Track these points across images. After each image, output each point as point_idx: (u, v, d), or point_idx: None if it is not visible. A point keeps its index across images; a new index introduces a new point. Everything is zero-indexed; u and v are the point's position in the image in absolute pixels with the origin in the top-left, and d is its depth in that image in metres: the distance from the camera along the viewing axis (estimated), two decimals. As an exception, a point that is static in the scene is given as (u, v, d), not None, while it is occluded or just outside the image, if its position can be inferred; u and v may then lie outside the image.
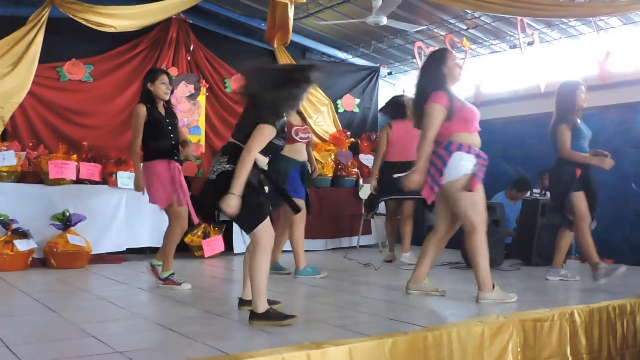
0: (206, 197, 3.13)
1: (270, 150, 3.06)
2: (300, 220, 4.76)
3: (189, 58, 6.97)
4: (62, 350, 2.57)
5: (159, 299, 4.08)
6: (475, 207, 3.63)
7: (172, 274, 4.26)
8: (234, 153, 3.02)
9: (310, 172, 5.05)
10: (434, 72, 3.70)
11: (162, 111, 4.34)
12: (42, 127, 6.17)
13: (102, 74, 6.50)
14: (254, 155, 2.96)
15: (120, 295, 4.09)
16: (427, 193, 3.67)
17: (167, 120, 4.32)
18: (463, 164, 3.59)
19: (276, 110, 3.00)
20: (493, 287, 3.68)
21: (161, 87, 4.26)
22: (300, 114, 5.03)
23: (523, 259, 5.68)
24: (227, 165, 3.00)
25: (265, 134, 2.97)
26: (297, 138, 4.79)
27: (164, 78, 4.29)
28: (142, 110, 4.19)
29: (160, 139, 4.25)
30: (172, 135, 4.31)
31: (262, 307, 2.99)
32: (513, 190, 6.75)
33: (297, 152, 4.78)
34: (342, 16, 7.06)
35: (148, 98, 4.26)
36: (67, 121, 6.30)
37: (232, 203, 2.89)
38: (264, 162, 3.12)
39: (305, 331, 2.86)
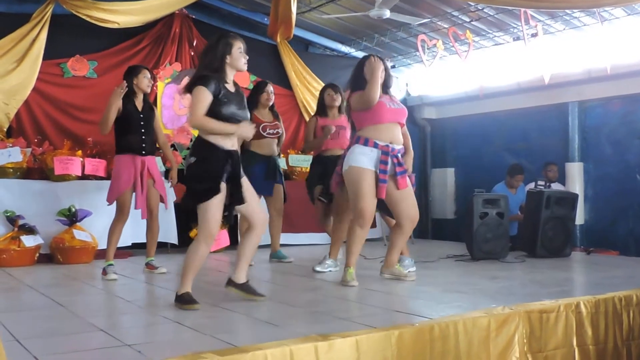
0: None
1: (231, 120, 3.24)
2: (276, 214, 5.26)
3: (192, 53, 6.97)
4: (71, 344, 2.60)
5: (166, 292, 4.10)
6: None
7: (111, 264, 4.52)
8: (194, 144, 3.33)
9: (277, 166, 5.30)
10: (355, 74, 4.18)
11: (140, 105, 4.63)
12: (47, 123, 6.19)
13: (106, 70, 6.50)
14: (199, 118, 3.18)
15: (127, 289, 4.12)
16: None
17: (142, 115, 4.60)
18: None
19: (200, 74, 3.27)
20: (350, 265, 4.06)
21: (144, 81, 4.61)
22: (273, 111, 5.33)
23: (528, 251, 5.69)
24: (191, 158, 3.27)
25: (197, 95, 3.19)
26: (264, 134, 5.13)
27: (147, 73, 4.68)
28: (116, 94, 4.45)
29: (129, 133, 4.54)
30: (143, 130, 4.59)
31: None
32: (507, 177, 6.77)
33: (264, 147, 5.13)
34: (345, 10, 7.04)
35: (129, 92, 4.55)
36: (72, 117, 6.31)
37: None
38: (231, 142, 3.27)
39: (311, 323, 2.87)
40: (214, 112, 3.21)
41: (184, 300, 3.23)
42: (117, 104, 4.46)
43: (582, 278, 4.88)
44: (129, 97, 4.57)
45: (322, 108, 5.21)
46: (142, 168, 4.59)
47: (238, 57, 3.32)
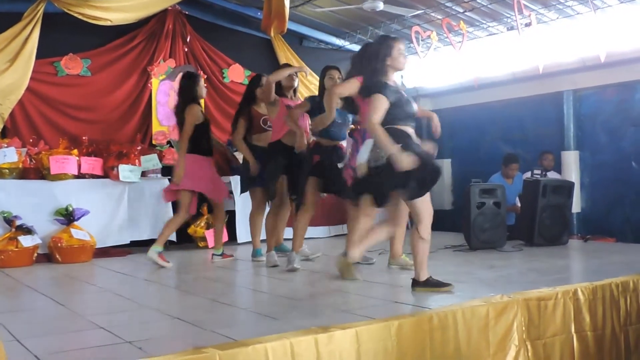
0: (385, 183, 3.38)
1: (406, 118, 3.41)
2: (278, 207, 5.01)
3: (186, 49, 6.95)
4: (72, 342, 2.61)
5: (165, 289, 4.11)
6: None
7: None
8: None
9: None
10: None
11: None
12: (42, 122, 6.16)
13: (100, 67, 6.47)
14: (375, 123, 3.26)
15: (127, 287, 4.13)
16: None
17: (207, 120, 5.02)
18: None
19: (372, 81, 3.40)
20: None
21: (203, 88, 4.97)
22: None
23: (525, 240, 5.71)
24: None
25: (375, 102, 3.31)
26: (265, 127, 5.01)
27: (202, 80, 5.06)
28: (199, 110, 4.85)
29: (203, 137, 4.89)
30: (209, 134, 5.03)
31: (423, 275, 3.39)
32: (503, 167, 6.78)
33: (265, 140, 4.97)
34: (338, 2, 7.03)
35: (196, 99, 4.89)
36: (67, 116, 6.29)
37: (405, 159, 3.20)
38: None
39: (311, 316, 2.88)
40: (392, 114, 3.34)
41: (433, 284, 3.39)
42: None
43: (580, 265, 4.91)
44: (199, 103, 4.93)
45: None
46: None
47: (398, 57, 3.46)
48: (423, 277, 3.42)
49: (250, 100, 5.08)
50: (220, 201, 5.09)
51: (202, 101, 6.89)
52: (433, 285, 3.41)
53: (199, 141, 4.83)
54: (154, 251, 4.75)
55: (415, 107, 3.54)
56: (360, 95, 3.59)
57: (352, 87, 3.98)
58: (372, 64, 3.49)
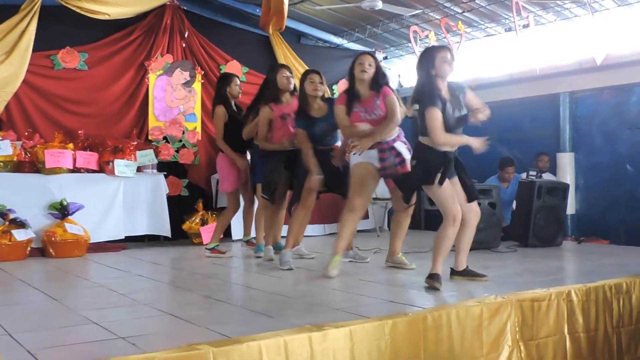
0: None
1: (451, 128, 3.57)
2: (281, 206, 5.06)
3: (183, 45, 6.93)
4: (64, 337, 2.60)
5: (159, 285, 4.11)
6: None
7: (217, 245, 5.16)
8: (415, 149, 3.68)
9: None
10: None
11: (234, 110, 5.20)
12: (38, 116, 6.12)
13: (97, 61, 6.43)
14: (441, 136, 3.49)
15: (121, 282, 4.11)
16: None
17: (239, 119, 5.16)
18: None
19: (423, 93, 3.52)
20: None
21: (235, 88, 5.19)
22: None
23: (520, 241, 5.72)
24: (412, 161, 3.67)
25: (430, 116, 3.44)
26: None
27: (237, 80, 5.28)
28: (223, 110, 5.07)
29: (234, 135, 5.06)
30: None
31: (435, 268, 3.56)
32: (498, 170, 6.78)
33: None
34: (337, 1, 7.02)
35: (225, 99, 5.13)
36: (63, 110, 6.25)
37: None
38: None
39: (305, 314, 2.88)
40: (443, 121, 3.48)
41: (435, 278, 3.51)
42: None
43: (573, 267, 4.92)
44: (227, 103, 5.12)
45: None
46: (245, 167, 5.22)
47: (441, 65, 3.53)
48: (435, 270, 3.55)
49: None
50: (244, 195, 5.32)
51: (199, 96, 6.98)
52: (432, 280, 3.52)
53: (229, 139, 5.10)
54: (207, 250, 5.12)
55: (464, 110, 3.64)
56: (414, 103, 3.64)
57: (342, 111, 4.09)
58: (420, 79, 3.61)
